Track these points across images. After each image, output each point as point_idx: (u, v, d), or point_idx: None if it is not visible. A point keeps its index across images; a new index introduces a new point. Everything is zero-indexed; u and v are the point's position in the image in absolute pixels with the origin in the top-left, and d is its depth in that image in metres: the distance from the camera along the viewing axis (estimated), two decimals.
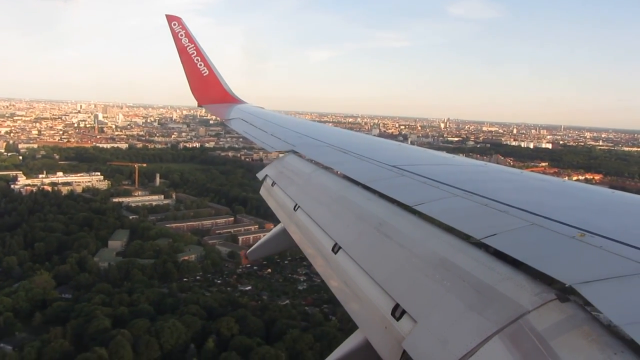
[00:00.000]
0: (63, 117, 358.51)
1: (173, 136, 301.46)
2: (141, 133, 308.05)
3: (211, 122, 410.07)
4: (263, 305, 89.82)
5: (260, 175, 8.78)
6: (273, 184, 7.79)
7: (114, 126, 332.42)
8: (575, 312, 2.55)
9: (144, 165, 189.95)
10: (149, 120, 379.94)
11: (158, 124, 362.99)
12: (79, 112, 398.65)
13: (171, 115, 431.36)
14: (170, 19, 15.95)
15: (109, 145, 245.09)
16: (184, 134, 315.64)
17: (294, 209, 6.32)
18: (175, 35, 15.84)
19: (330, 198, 6.13)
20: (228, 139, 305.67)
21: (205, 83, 16.31)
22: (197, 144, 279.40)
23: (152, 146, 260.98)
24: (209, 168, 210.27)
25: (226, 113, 15.07)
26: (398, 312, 3.41)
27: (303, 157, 8.32)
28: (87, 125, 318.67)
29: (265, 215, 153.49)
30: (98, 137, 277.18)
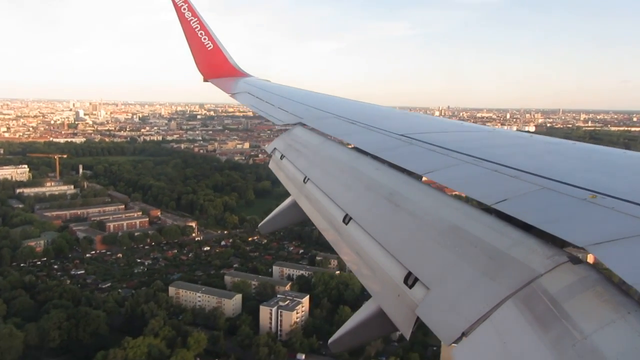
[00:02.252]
0: (48, 114, 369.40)
1: (143, 130, 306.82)
2: (111, 128, 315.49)
3: (198, 117, 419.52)
4: (47, 288, 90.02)
5: (268, 148, 8.64)
6: (282, 157, 7.74)
7: (91, 122, 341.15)
8: (588, 274, 2.55)
9: (65, 156, 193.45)
10: (134, 117, 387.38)
11: (139, 120, 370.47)
12: (71, 110, 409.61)
13: (160, 112, 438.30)
14: None
15: (63, 140, 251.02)
16: (155, 128, 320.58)
17: (304, 181, 6.28)
18: (178, 9, 15.45)
19: (340, 169, 6.10)
20: (197, 132, 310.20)
21: (210, 57, 15.97)
22: (159, 137, 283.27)
23: (110, 140, 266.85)
24: (147, 159, 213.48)
25: (232, 87, 14.71)
26: (410, 280, 3.43)
27: (311, 129, 8.18)
28: (66, 122, 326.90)
29: (160, 203, 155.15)
30: (63, 132, 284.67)
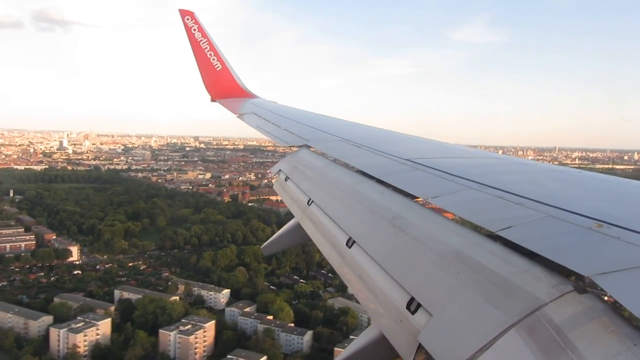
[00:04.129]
0: (36, 144, 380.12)
1: (115, 160, 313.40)
2: (84, 157, 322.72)
3: (187, 148, 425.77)
4: None
5: (273, 170, 8.72)
6: (286, 178, 7.74)
7: (71, 151, 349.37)
8: (594, 304, 2.50)
9: None
10: (118, 148, 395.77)
11: (122, 150, 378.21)
12: (62, 139, 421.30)
13: (150, 143, 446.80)
14: (184, 13, 15.85)
15: (23, 167, 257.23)
16: (130, 158, 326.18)
17: (308, 203, 6.28)
18: (188, 30, 15.81)
19: (344, 192, 6.09)
20: (169, 163, 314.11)
21: (219, 77, 16.33)
22: (125, 167, 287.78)
23: (73, 168, 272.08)
24: (89, 186, 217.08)
25: (239, 108, 14.85)
26: (413, 305, 3.39)
27: (316, 152, 8.26)
28: (39, 151, 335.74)
29: (61, 227, 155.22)
30: (31, 160, 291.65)
